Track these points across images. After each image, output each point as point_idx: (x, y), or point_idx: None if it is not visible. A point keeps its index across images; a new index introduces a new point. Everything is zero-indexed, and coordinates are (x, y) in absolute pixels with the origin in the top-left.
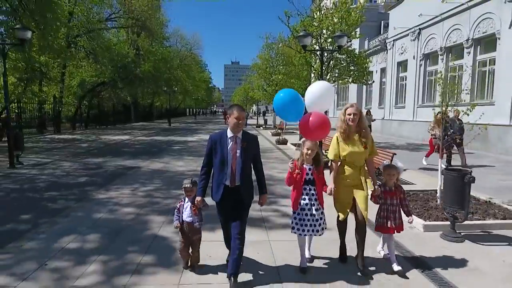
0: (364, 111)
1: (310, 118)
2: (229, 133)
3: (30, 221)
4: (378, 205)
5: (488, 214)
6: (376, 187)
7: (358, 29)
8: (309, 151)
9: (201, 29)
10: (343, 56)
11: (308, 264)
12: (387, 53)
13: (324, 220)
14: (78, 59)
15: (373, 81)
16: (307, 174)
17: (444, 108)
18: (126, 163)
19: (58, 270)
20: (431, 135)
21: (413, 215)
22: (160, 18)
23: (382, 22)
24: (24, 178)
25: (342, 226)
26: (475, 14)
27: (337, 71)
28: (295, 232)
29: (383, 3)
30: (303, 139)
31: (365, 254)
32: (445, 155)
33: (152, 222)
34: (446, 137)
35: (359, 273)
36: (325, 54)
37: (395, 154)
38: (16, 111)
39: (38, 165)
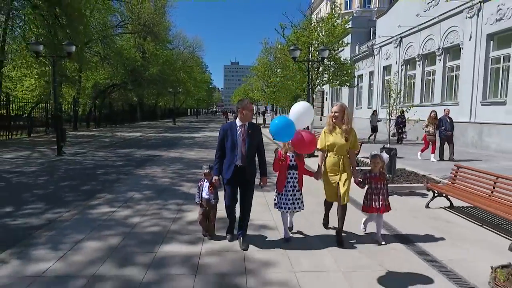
0: (365, 112)
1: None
2: (238, 122)
3: (99, 185)
4: (364, 189)
5: (409, 180)
6: (358, 173)
7: (349, 35)
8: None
9: (200, 30)
10: (331, 63)
11: (290, 235)
12: (374, 58)
13: (302, 199)
14: (93, 63)
15: (357, 85)
16: (291, 160)
17: (391, 108)
18: (149, 153)
19: (132, 208)
20: (425, 131)
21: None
22: (164, 23)
23: (372, 29)
24: (73, 162)
25: (327, 204)
26: (444, 27)
27: (326, 75)
28: (278, 208)
29: (376, 9)
30: None
31: (351, 231)
32: (437, 150)
33: (182, 186)
34: (440, 133)
35: (337, 245)
36: (314, 63)
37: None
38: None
39: (78, 154)
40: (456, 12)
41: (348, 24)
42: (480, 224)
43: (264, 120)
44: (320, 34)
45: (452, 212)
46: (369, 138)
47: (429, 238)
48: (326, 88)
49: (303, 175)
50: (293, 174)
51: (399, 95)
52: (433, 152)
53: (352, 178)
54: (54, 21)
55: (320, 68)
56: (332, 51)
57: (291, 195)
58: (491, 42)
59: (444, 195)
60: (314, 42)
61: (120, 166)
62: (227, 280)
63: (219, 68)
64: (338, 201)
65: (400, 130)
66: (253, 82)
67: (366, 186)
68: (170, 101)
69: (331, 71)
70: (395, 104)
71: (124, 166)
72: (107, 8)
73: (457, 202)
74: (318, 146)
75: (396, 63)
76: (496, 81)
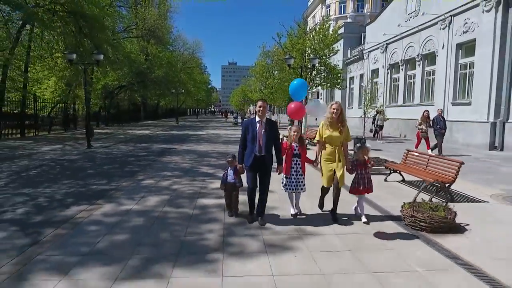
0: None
1: (292, 106)
2: (257, 119)
3: (135, 168)
4: (353, 175)
5: (379, 164)
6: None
7: (342, 40)
8: (295, 133)
9: (198, 30)
10: (322, 68)
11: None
12: (364, 61)
13: (304, 182)
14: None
15: (349, 86)
16: (295, 150)
17: (365, 108)
18: (164, 146)
19: (169, 180)
20: (418, 129)
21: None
22: (166, 26)
23: (362, 34)
24: (104, 152)
25: (324, 190)
26: (423, 36)
27: (318, 79)
28: (284, 189)
29: (369, 13)
30: (289, 126)
31: (344, 212)
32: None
33: (201, 168)
34: (435, 131)
35: (332, 221)
36: (307, 69)
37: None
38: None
39: (103, 147)
40: (432, 23)
41: (339, 32)
42: (414, 188)
43: None
44: (313, 42)
45: (402, 183)
46: (374, 135)
47: (384, 198)
48: (321, 89)
49: (305, 163)
50: (297, 161)
51: (371, 99)
52: (428, 148)
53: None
54: (79, 32)
55: (313, 72)
56: (324, 57)
57: (294, 178)
58: (460, 50)
59: (398, 171)
60: (307, 49)
61: (145, 156)
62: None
63: (217, 68)
64: (335, 185)
65: (376, 127)
66: (251, 84)
67: (354, 172)
68: (171, 101)
69: (322, 75)
70: (368, 104)
71: (148, 156)
72: (117, 15)
73: (407, 177)
74: (316, 138)
75: (383, 67)
76: (463, 84)
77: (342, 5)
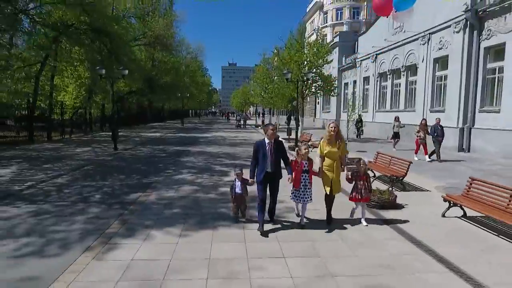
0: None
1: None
2: (267, 140)
3: (162, 166)
4: (352, 184)
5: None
6: (347, 172)
7: (337, 48)
8: (304, 152)
9: (198, 30)
10: (317, 77)
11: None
12: (357, 69)
13: (311, 195)
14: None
15: (344, 91)
16: (304, 166)
17: (349, 113)
18: (178, 148)
19: (193, 175)
20: (417, 136)
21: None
22: (172, 33)
23: (356, 42)
24: (130, 154)
25: (327, 199)
26: (406, 49)
27: (313, 88)
28: (293, 199)
29: (364, 20)
30: (297, 147)
31: (342, 217)
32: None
33: (215, 167)
34: (432, 137)
35: (326, 223)
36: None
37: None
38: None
39: (127, 149)
40: (414, 39)
41: (335, 41)
42: (381, 181)
43: (263, 121)
44: (309, 55)
45: (373, 178)
46: (395, 144)
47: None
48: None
49: (312, 175)
50: (305, 176)
51: (355, 106)
52: (426, 153)
53: (345, 176)
54: (103, 47)
55: (309, 81)
56: (319, 67)
57: (302, 191)
58: (436, 64)
59: (370, 169)
60: (304, 61)
61: (166, 156)
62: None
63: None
64: (330, 192)
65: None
66: (252, 88)
67: (354, 182)
68: (175, 103)
69: (317, 84)
70: (352, 111)
71: (169, 156)
72: (129, 26)
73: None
74: (318, 153)
75: (373, 75)
76: (439, 94)
77: (339, 12)
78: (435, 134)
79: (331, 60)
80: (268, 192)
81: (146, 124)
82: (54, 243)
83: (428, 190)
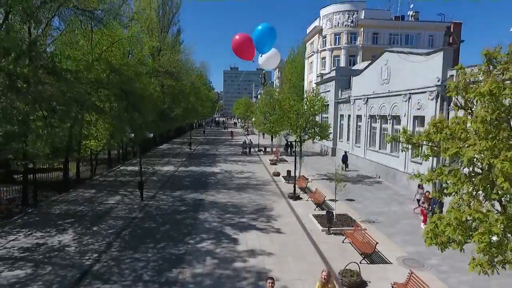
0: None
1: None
2: None
3: (184, 226)
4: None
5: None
6: None
7: (334, 82)
8: (325, 277)
9: (199, 32)
10: (314, 125)
11: None
12: (351, 105)
13: None
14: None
15: (331, 134)
16: None
17: (337, 183)
18: (194, 196)
19: (213, 245)
20: (422, 207)
21: None
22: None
23: (352, 77)
24: (156, 205)
25: None
26: (392, 101)
27: (310, 133)
28: None
29: (361, 45)
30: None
31: None
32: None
33: (227, 228)
34: (431, 208)
35: None
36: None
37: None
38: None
39: (150, 198)
40: (398, 94)
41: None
42: (355, 251)
43: (265, 148)
44: (306, 107)
45: (349, 244)
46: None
47: (335, 257)
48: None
49: None
50: None
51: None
52: (424, 222)
53: None
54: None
55: (307, 126)
56: (316, 114)
57: None
58: (416, 120)
59: (347, 237)
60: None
61: (186, 211)
62: None
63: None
64: None
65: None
66: (256, 117)
67: None
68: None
69: (314, 130)
70: (338, 183)
71: (188, 211)
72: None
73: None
74: None
75: (365, 115)
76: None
77: (337, 36)
78: (434, 206)
79: (327, 108)
80: None
81: (156, 147)
82: None
83: (390, 263)
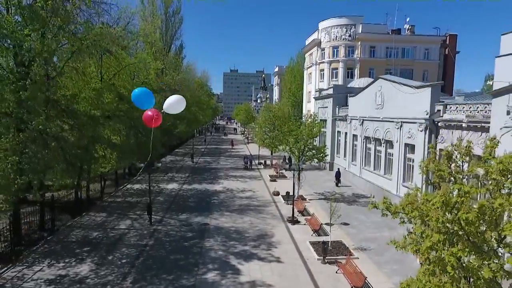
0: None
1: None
2: None
3: (192, 255)
4: None
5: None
6: None
7: (331, 99)
8: None
9: (199, 33)
10: (311, 148)
11: None
12: (347, 124)
13: None
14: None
15: (327, 156)
16: None
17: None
18: (199, 221)
19: (219, 276)
20: None
21: None
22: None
23: (348, 95)
24: (164, 231)
25: None
26: (385, 126)
27: (307, 155)
28: None
29: (358, 58)
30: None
31: None
32: None
33: (231, 257)
34: None
35: None
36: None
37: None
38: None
39: (158, 222)
40: (391, 121)
41: (330, 92)
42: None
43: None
44: (304, 133)
45: (342, 275)
46: None
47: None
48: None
49: None
50: None
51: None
52: None
53: None
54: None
55: (305, 149)
56: (313, 138)
57: None
58: (407, 147)
59: (340, 269)
60: (301, 137)
61: (192, 237)
62: None
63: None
64: None
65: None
66: (256, 133)
67: None
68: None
69: (311, 152)
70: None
71: (194, 237)
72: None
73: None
74: None
75: (360, 136)
76: (410, 172)
77: (335, 50)
78: None
79: (324, 132)
80: None
81: (159, 160)
82: None
83: None
